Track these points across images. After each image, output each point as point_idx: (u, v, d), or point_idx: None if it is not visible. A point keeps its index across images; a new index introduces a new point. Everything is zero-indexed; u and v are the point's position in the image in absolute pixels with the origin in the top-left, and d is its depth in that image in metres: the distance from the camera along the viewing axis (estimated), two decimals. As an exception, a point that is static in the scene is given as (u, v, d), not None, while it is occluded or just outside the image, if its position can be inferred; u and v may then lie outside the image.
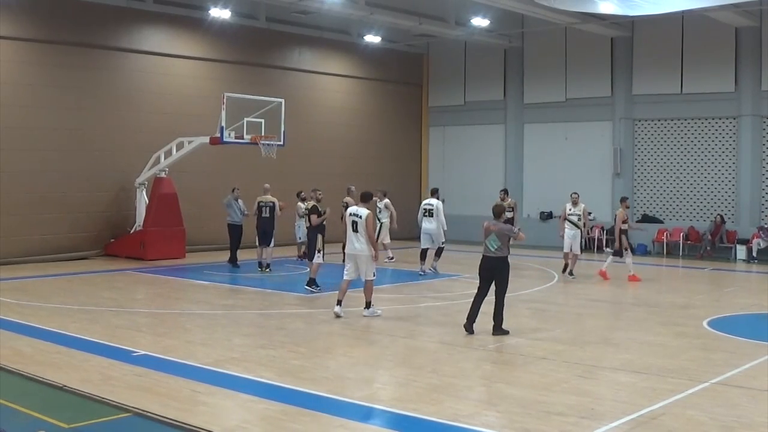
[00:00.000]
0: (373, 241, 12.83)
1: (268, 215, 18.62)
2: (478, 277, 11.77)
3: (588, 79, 26.48)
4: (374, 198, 20.27)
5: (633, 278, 17.73)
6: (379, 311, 12.99)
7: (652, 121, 25.69)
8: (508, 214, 18.93)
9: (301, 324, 12.32)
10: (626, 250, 17.81)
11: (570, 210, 18.56)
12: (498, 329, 11.52)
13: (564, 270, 18.40)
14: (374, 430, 7.36)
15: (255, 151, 20.32)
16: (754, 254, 22.59)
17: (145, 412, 7.65)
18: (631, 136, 26.04)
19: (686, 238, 24.34)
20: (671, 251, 24.68)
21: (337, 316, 12.65)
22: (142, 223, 21.46)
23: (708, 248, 23.54)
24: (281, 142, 20.46)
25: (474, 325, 11.49)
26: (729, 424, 7.45)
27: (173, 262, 20.58)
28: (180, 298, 15.49)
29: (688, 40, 24.54)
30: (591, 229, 19.15)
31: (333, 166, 27.06)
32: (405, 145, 30.10)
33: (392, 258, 20.94)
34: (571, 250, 18.35)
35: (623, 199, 18.59)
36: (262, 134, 20.07)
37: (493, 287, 11.60)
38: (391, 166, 29.08)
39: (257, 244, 18.83)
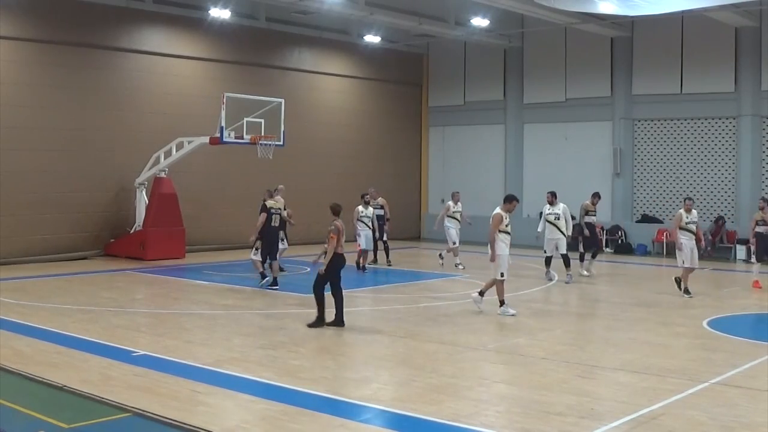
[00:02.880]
0: (493, 242, 13.05)
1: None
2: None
3: (588, 79, 26.47)
4: (369, 198, 20.50)
5: (756, 284, 16.97)
6: (511, 311, 13.12)
7: (652, 121, 25.69)
8: (593, 218, 18.94)
9: (301, 324, 12.31)
10: (753, 254, 17.26)
11: (548, 210, 18.16)
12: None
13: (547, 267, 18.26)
14: (374, 430, 7.36)
15: (255, 152, 20.31)
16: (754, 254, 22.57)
17: (145, 412, 7.65)
18: (630, 136, 26.04)
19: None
20: (671, 251, 24.63)
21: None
22: (141, 223, 21.46)
23: (708, 248, 23.52)
24: (281, 142, 20.45)
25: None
26: (729, 424, 7.45)
27: (173, 262, 20.57)
28: (180, 298, 15.49)
29: (688, 40, 24.54)
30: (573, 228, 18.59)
31: (333, 166, 27.07)
32: (405, 145, 30.10)
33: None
34: (557, 249, 17.87)
35: (765, 199, 17.50)
36: (262, 134, 20.06)
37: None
38: (391, 166, 29.07)
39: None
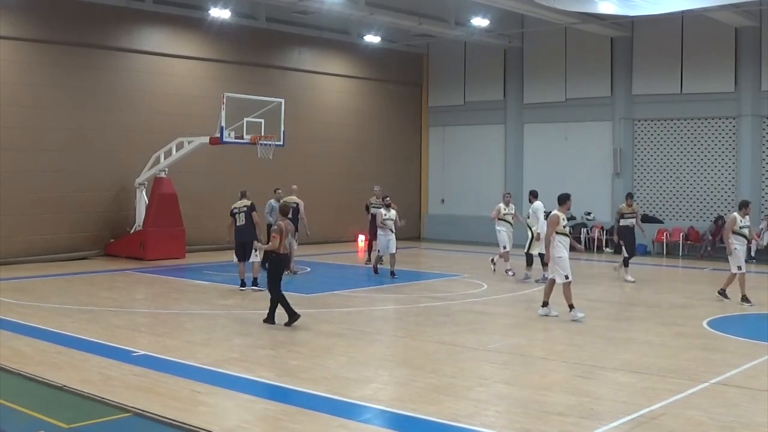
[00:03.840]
0: (549, 245, 12.86)
1: (290, 216, 18.55)
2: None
3: (588, 79, 26.47)
4: (376, 198, 20.45)
5: None
6: (580, 314, 12.76)
7: (652, 121, 25.69)
8: (630, 221, 18.01)
9: (300, 324, 12.30)
10: None
11: (504, 210, 18.38)
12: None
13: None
14: (374, 430, 7.36)
15: (255, 152, 20.31)
16: (753, 254, 22.58)
17: (145, 412, 7.65)
18: (630, 136, 26.04)
19: (686, 238, 24.34)
20: (671, 251, 24.67)
21: (546, 314, 13.05)
22: (141, 223, 21.46)
23: (709, 248, 23.53)
24: (281, 142, 20.45)
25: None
26: (729, 424, 7.45)
27: (173, 262, 20.58)
28: (180, 298, 15.48)
29: (688, 40, 24.54)
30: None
31: (333, 166, 27.08)
32: (405, 145, 30.10)
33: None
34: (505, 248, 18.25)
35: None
36: (262, 134, 20.06)
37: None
38: (391, 166, 29.07)
39: None
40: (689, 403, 8.15)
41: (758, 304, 14.94)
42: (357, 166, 27.61)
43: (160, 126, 22.32)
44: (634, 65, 25.81)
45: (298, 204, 18.70)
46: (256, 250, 15.15)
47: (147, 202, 21.60)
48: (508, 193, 19.59)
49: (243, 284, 15.78)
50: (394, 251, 18.07)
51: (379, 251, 18.46)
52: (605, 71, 26.21)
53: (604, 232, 25.45)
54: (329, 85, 27.56)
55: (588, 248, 25.42)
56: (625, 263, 17.96)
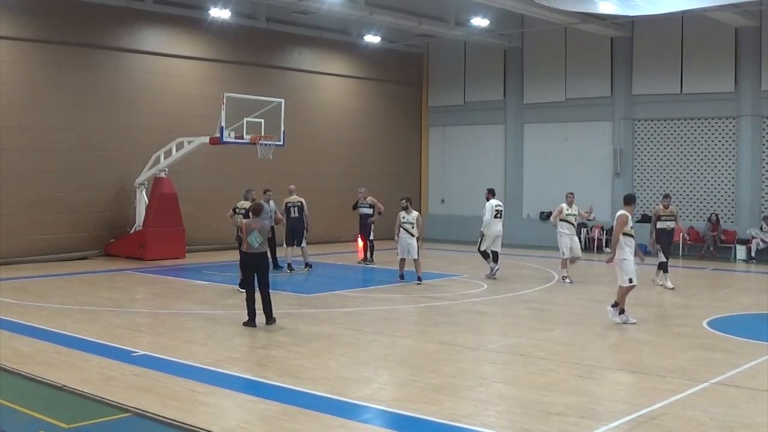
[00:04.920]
0: (616, 245, 12.50)
1: (297, 215, 18.65)
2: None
3: (588, 79, 26.48)
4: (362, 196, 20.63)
5: None
6: (632, 320, 12.43)
7: (652, 121, 25.69)
8: (668, 223, 16.82)
9: (301, 324, 12.31)
10: None
11: (567, 211, 17.47)
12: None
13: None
14: (374, 430, 7.36)
15: (255, 152, 20.32)
16: (753, 254, 22.60)
17: (145, 412, 7.65)
18: (630, 136, 26.04)
19: (686, 238, 24.32)
20: (671, 251, 24.60)
21: (624, 321, 12.47)
22: (141, 223, 21.46)
23: (711, 248, 23.50)
24: (281, 142, 20.46)
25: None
26: (729, 424, 7.45)
27: (173, 262, 20.58)
28: (180, 298, 15.49)
29: (688, 40, 24.54)
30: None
31: (333, 166, 27.08)
32: (405, 145, 30.10)
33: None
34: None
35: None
36: (262, 134, 20.07)
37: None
38: (391, 166, 29.08)
39: (284, 244, 18.80)
40: (689, 403, 8.15)
41: (758, 304, 14.95)
42: (357, 166, 27.60)
43: (160, 126, 22.32)
44: (634, 65, 25.81)
45: (302, 203, 18.76)
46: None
47: (147, 202, 21.60)
48: (571, 193, 18.10)
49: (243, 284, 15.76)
50: (416, 256, 16.99)
51: (399, 254, 17.41)
52: (605, 71, 26.21)
53: (604, 232, 25.45)
54: (329, 85, 27.56)
55: (588, 248, 25.45)
56: (664, 269, 16.83)
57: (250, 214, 12.89)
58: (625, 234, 12.51)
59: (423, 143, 30.74)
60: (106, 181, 21.73)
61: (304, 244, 18.87)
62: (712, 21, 22.90)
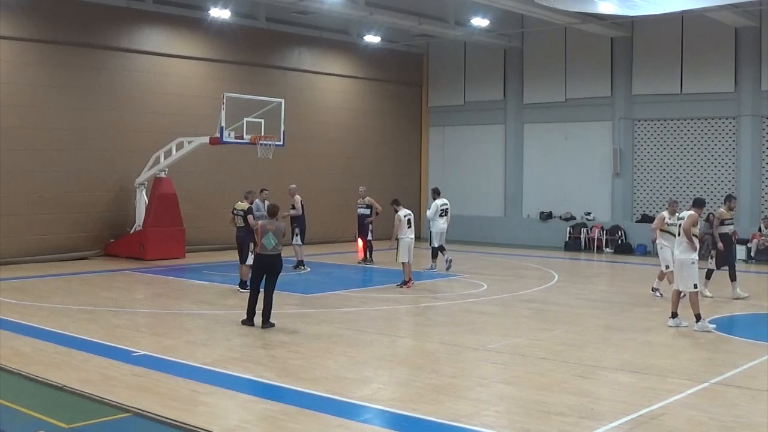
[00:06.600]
0: (690, 242, 12.03)
1: (302, 214, 18.75)
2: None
3: (588, 79, 26.47)
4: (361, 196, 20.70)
5: None
6: (711, 326, 12.00)
7: (652, 121, 25.69)
8: (731, 227, 15.74)
9: (301, 324, 12.31)
10: None
11: (668, 220, 14.96)
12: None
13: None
14: (374, 430, 7.36)
15: (255, 152, 20.32)
16: (753, 254, 22.59)
17: (145, 412, 7.65)
18: (630, 136, 26.03)
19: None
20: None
21: (677, 326, 12.23)
22: (142, 223, 21.46)
23: (712, 248, 23.39)
24: (281, 142, 20.45)
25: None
26: (729, 424, 7.45)
27: (173, 262, 20.57)
28: (180, 298, 15.48)
29: (688, 40, 24.53)
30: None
31: (333, 165, 27.07)
32: (405, 145, 30.09)
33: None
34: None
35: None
36: (262, 134, 20.06)
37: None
38: (391, 166, 29.07)
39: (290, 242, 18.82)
40: (689, 403, 8.15)
41: (758, 304, 14.95)
42: (357, 166, 27.59)
43: (160, 126, 22.32)
44: (634, 65, 25.80)
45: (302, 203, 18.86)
46: (252, 252, 15.16)
47: (147, 202, 21.59)
48: (675, 201, 16.22)
49: (244, 285, 15.74)
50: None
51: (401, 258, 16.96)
52: (605, 71, 26.21)
53: (604, 232, 25.44)
54: (329, 85, 27.56)
55: (588, 248, 25.46)
56: (733, 277, 15.54)
57: (267, 215, 12.96)
58: (662, 231, 12.71)
59: (423, 143, 30.74)
60: (106, 181, 21.72)
61: (299, 242, 18.90)
62: (712, 21, 22.90)
